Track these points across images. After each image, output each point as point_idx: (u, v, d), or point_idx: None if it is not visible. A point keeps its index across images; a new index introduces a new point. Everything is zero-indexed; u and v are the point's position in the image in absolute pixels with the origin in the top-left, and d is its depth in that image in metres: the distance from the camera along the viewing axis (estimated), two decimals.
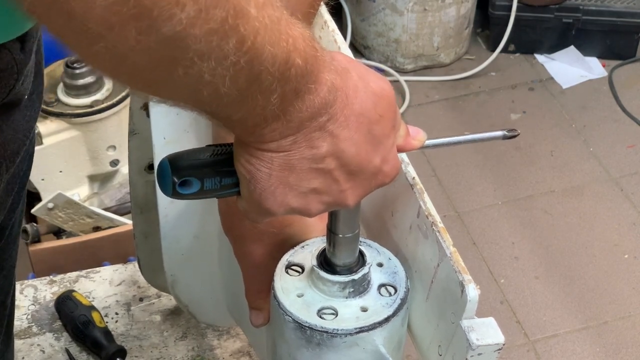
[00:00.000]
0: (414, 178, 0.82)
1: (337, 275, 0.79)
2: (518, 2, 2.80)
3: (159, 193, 0.95)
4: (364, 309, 0.79)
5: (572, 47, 2.90)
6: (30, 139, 0.87)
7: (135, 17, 0.50)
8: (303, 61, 0.60)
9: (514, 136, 0.79)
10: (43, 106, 1.89)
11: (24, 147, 0.83)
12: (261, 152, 0.65)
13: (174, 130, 0.89)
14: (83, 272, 1.31)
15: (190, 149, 0.68)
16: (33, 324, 1.24)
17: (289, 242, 0.84)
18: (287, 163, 0.65)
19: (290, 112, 0.62)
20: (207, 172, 0.67)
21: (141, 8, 0.50)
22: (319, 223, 0.82)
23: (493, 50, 2.87)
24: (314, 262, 0.80)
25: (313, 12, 0.91)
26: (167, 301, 1.26)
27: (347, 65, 0.67)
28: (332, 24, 0.98)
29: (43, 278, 1.30)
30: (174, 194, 0.66)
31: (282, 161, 0.65)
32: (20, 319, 1.24)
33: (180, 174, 0.66)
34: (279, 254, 0.82)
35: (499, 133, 0.79)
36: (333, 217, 0.77)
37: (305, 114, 0.63)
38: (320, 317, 0.78)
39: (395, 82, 2.84)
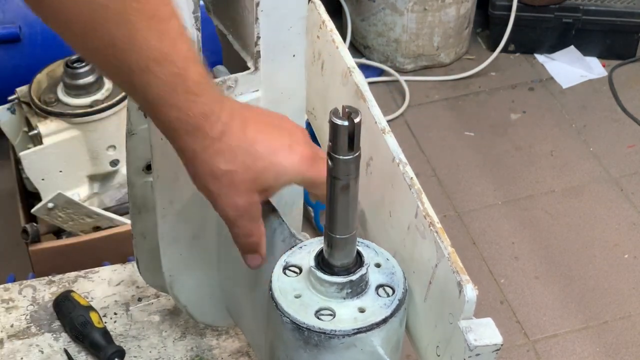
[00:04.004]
0: (412, 178, 0.82)
1: (335, 276, 0.79)
2: (518, 2, 2.80)
3: (157, 193, 0.95)
4: (362, 310, 0.79)
5: (572, 47, 2.90)
6: None
7: None
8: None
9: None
10: (43, 106, 1.89)
11: None
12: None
13: None
14: (82, 272, 1.31)
15: None
16: (32, 324, 1.24)
17: (269, 186, 0.84)
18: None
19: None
20: None
21: None
22: (295, 163, 0.83)
23: (493, 50, 2.87)
24: (312, 263, 0.80)
25: None
26: (166, 301, 1.26)
27: None
28: (330, 24, 0.98)
29: (42, 278, 1.30)
30: None
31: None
32: (19, 319, 1.24)
33: None
34: (262, 196, 0.83)
35: None
36: (330, 218, 0.77)
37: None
38: (318, 318, 0.78)
39: (395, 82, 2.84)
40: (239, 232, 0.84)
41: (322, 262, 0.80)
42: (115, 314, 1.25)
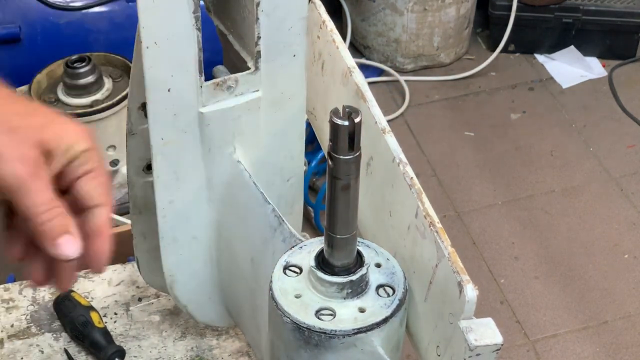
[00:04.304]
0: (412, 178, 0.82)
1: (335, 276, 0.79)
2: (518, 2, 2.80)
3: (157, 193, 0.95)
4: (362, 310, 0.79)
5: (572, 47, 2.90)
6: None
7: None
8: None
9: None
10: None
11: None
12: None
13: (172, 131, 0.89)
14: (82, 272, 1.31)
15: None
16: (32, 325, 1.24)
17: (54, 145, 0.68)
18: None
19: None
20: None
21: None
22: (77, 128, 0.69)
23: (493, 50, 2.87)
24: (312, 263, 0.80)
25: None
26: (166, 301, 1.26)
27: None
28: (330, 24, 0.98)
29: None
30: None
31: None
32: (19, 319, 1.24)
33: None
34: (48, 162, 0.68)
35: None
36: (331, 218, 0.77)
37: None
38: (318, 318, 0.78)
39: (395, 82, 2.84)
40: (37, 201, 0.65)
41: (323, 262, 0.80)
42: (115, 314, 1.25)
